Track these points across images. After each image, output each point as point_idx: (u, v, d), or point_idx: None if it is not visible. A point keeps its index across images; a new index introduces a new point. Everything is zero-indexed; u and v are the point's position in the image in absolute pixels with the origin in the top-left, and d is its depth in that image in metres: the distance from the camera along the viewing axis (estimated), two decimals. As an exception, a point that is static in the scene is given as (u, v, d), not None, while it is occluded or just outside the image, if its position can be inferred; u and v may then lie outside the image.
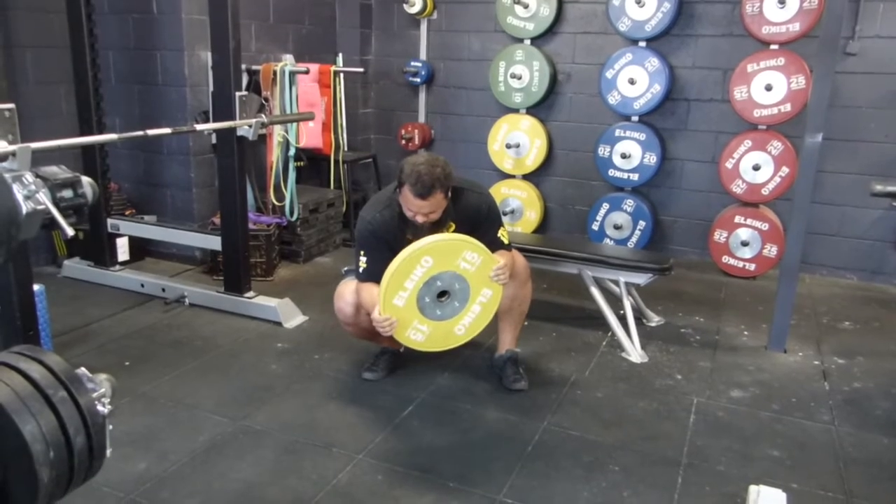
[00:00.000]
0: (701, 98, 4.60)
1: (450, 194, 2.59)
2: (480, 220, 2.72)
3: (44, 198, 1.77)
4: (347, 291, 2.79)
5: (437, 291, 2.52)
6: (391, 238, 2.64)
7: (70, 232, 1.81)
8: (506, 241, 2.76)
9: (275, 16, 4.69)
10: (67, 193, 1.87)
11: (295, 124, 4.37)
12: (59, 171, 1.89)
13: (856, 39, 4.15)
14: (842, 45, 4.08)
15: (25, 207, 1.73)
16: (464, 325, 2.62)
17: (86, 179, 1.96)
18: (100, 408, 1.35)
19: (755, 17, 4.07)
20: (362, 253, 2.66)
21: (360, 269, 2.66)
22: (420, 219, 2.57)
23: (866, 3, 4.09)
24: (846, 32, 4.10)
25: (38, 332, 2.63)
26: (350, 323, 2.84)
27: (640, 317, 3.63)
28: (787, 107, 4.10)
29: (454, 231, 2.71)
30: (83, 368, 1.38)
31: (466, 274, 2.51)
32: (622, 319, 3.37)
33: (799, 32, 3.99)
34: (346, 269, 3.01)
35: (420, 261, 2.45)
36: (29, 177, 1.77)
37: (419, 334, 2.57)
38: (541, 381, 2.98)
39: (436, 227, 2.64)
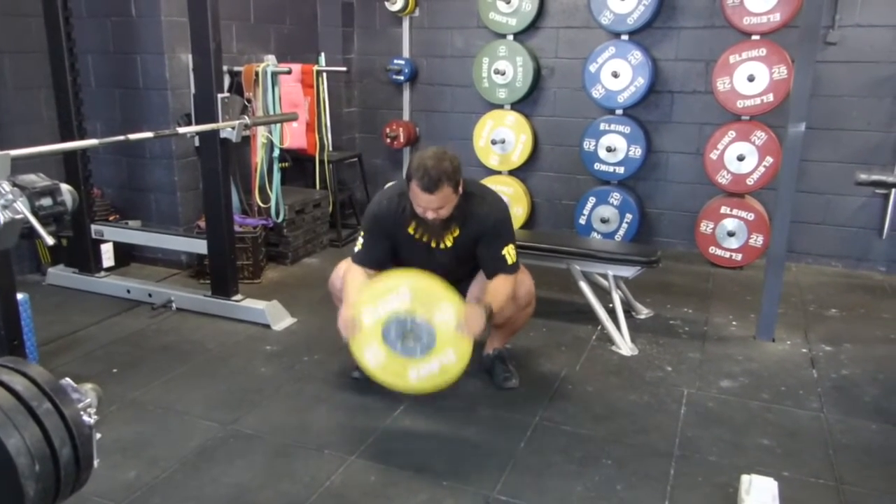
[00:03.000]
0: (684, 90, 4.62)
1: (460, 190, 2.53)
2: (484, 233, 2.65)
3: (22, 207, 1.75)
4: (342, 267, 2.82)
5: (405, 332, 2.43)
6: (392, 227, 2.66)
7: (50, 240, 1.79)
8: (510, 262, 2.65)
9: (255, 16, 4.66)
10: (46, 202, 1.86)
11: (279, 125, 4.35)
12: (37, 180, 1.87)
13: (836, 29, 4.18)
14: (822, 34, 4.10)
15: (3, 217, 1.71)
16: (418, 373, 2.46)
17: (65, 187, 1.94)
18: (86, 418, 1.33)
19: (736, 7, 4.09)
20: (362, 234, 2.73)
21: (356, 249, 2.73)
22: (430, 215, 2.51)
23: (845, -8, 4.13)
24: (826, 22, 4.13)
25: (24, 342, 2.61)
26: (339, 298, 2.83)
27: (629, 310, 3.64)
28: (770, 97, 4.12)
29: (457, 236, 2.66)
30: (68, 379, 1.36)
31: (439, 328, 2.40)
32: (611, 313, 3.38)
33: (780, 23, 4.01)
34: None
35: (398, 289, 2.41)
36: (6, 186, 1.75)
37: (374, 358, 2.48)
38: (531, 377, 2.99)
39: (446, 224, 2.58)
